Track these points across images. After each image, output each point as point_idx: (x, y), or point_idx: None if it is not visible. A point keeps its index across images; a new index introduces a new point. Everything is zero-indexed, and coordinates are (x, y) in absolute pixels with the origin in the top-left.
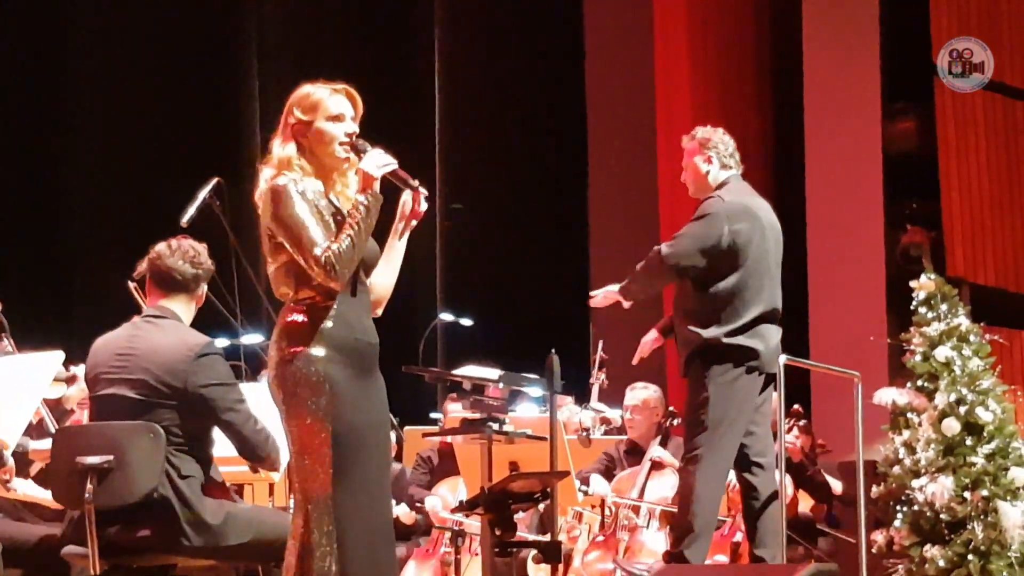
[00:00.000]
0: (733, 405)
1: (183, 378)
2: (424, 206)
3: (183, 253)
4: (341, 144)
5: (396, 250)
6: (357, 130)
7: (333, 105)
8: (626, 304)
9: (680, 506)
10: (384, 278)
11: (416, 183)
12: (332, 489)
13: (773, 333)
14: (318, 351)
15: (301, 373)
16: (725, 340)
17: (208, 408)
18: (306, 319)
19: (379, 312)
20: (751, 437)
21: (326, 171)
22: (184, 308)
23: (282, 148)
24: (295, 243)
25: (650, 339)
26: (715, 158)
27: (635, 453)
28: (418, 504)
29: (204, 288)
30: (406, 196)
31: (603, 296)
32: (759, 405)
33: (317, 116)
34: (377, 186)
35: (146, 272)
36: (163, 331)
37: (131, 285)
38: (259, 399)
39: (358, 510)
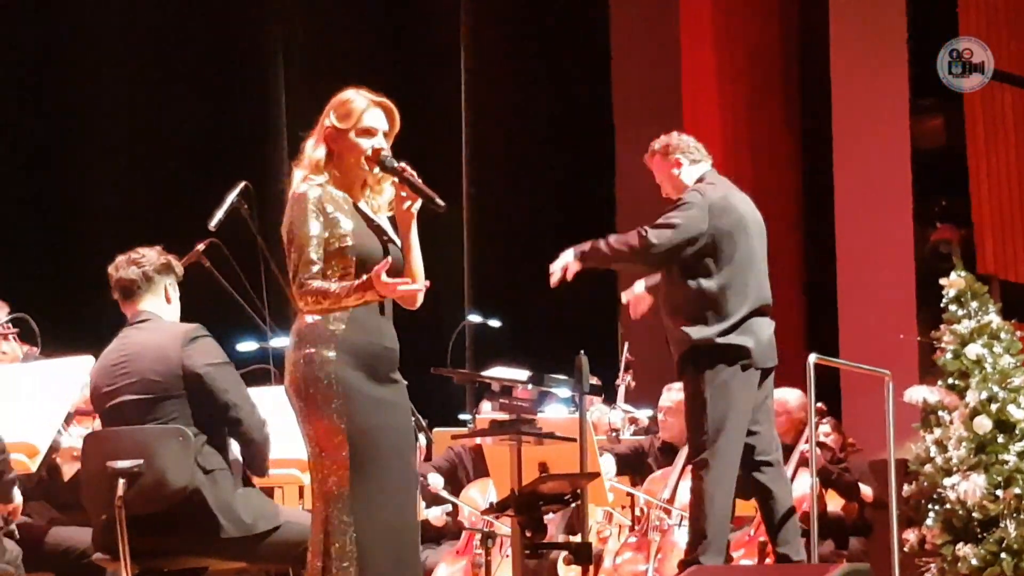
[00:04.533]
0: (732, 405)
1: (179, 363)
2: (412, 206)
3: (127, 260)
4: (366, 159)
5: (411, 246)
6: (386, 146)
7: (368, 118)
8: (575, 268)
9: (692, 513)
10: (411, 273)
11: (433, 196)
12: (349, 491)
13: (765, 327)
14: (330, 353)
15: (314, 375)
16: (717, 340)
17: (207, 389)
18: (320, 322)
19: (416, 305)
20: (755, 436)
21: (351, 179)
22: (157, 307)
23: (313, 150)
24: (291, 256)
25: (639, 293)
26: (682, 159)
27: (669, 452)
28: (420, 477)
29: (164, 283)
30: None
31: (560, 270)
32: (760, 402)
33: (350, 126)
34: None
35: (115, 293)
36: (148, 330)
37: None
38: (278, 402)
39: (377, 512)
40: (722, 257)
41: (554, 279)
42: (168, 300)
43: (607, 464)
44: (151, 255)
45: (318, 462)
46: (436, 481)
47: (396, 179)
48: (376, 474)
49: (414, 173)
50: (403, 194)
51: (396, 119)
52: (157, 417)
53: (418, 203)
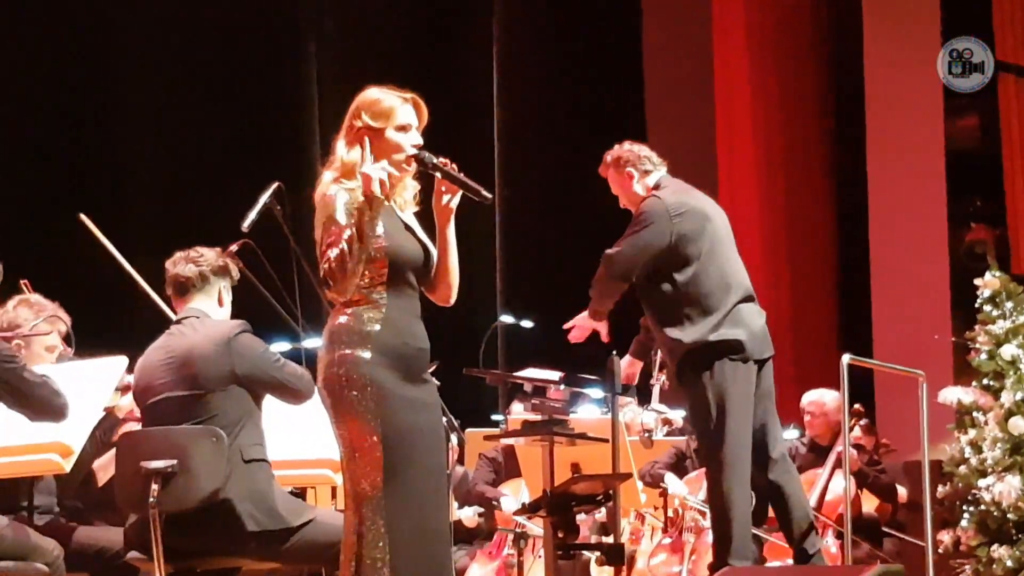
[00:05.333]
0: (735, 402)
1: (228, 365)
2: (451, 201)
3: (185, 257)
4: (408, 156)
5: (448, 241)
6: (421, 141)
7: (403, 115)
8: (598, 325)
9: (715, 517)
10: (447, 269)
11: (479, 188)
12: (383, 492)
13: (756, 316)
14: (364, 354)
15: (348, 376)
16: (710, 338)
17: (264, 382)
18: (354, 322)
19: (451, 301)
20: (758, 433)
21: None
22: (207, 306)
23: (347, 152)
24: (322, 253)
25: (625, 363)
26: (633, 172)
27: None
28: (494, 503)
29: (219, 285)
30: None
31: (579, 330)
32: (761, 396)
33: (388, 124)
34: (376, 187)
35: (168, 288)
36: (194, 329)
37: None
38: (311, 403)
39: (409, 512)
40: (691, 255)
41: (576, 335)
42: (220, 303)
43: (675, 486)
44: (209, 255)
45: (351, 463)
46: (509, 506)
47: (438, 174)
48: (409, 475)
49: (455, 167)
50: (442, 188)
51: (424, 113)
52: (198, 414)
53: (457, 198)
